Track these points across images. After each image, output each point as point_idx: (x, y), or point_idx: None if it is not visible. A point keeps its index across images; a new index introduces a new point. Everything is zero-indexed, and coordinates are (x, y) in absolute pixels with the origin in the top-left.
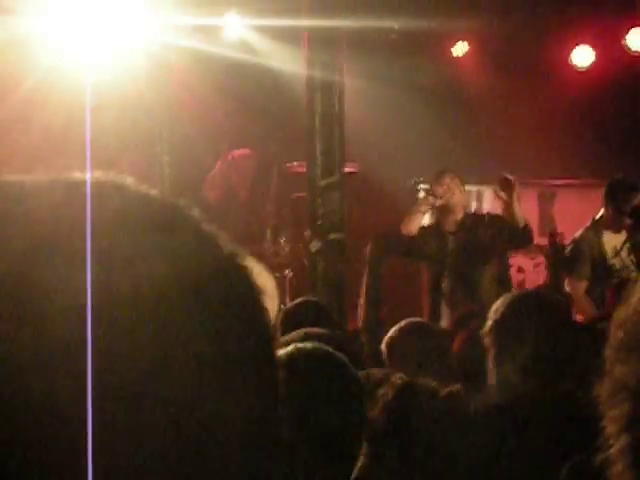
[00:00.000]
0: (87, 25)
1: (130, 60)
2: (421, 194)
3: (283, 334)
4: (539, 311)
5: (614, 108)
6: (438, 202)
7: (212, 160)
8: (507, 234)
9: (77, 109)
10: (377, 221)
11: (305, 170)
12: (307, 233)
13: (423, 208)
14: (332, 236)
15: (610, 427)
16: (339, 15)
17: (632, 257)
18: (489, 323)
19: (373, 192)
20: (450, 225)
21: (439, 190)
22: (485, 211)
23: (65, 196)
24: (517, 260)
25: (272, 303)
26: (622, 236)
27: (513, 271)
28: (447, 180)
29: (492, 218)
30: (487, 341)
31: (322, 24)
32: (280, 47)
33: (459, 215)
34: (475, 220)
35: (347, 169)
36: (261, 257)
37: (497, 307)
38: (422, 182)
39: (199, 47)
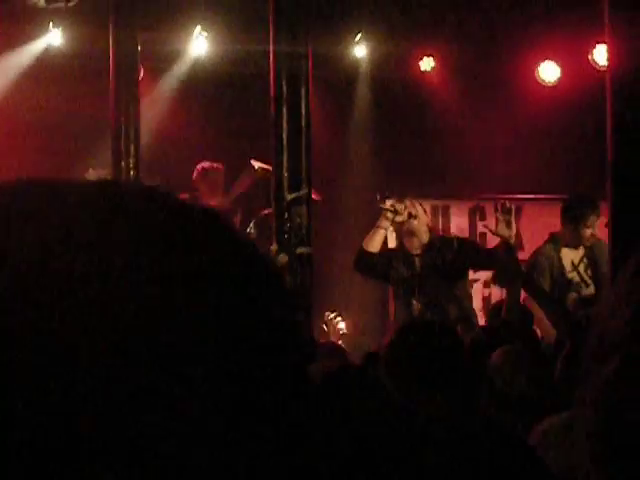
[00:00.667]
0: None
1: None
2: (385, 210)
3: None
4: (423, 342)
5: (580, 123)
6: (399, 218)
7: (181, 174)
8: (475, 257)
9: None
10: (338, 236)
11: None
12: (274, 247)
13: (384, 224)
14: (299, 250)
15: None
16: (305, 30)
17: (589, 272)
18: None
19: (335, 208)
20: (416, 246)
21: (400, 207)
22: (454, 233)
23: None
24: (483, 274)
25: None
26: (580, 251)
27: (479, 285)
28: (408, 199)
29: (460, 241)
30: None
31: (288, 38)
32: (247, 60)
33: (424, 236)
34: (444, 242)
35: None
36: None
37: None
38: (389, 198)
39: (165, 62)
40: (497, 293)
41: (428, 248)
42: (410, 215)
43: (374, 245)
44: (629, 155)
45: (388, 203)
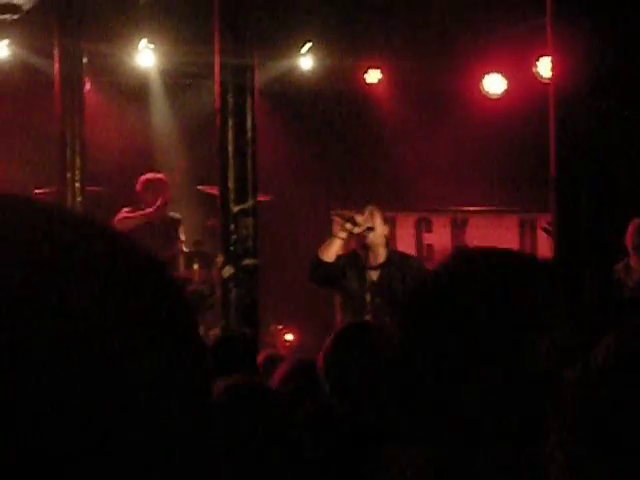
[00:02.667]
0: None
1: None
2: (342, 221)
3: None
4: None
5: (525, 135)
6: (357, 230)
7: (127, 186)
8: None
9: None
10: (289, 248)
11: (217, 193)
12: (220, 259)
13: (342, 234)
14: (246, 262)
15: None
16: (251, 40)
17: None
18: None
19: (285, 220)
20: (370, 260)
21: (359, 218)
22: (412, 254)
23: None
24: None
25: None
26: None
27: None
28: (368, 211)
29: (420, 266)
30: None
31: (234, 50)
32: (193, 71)
33: (381, 250)
34: (401, 260)
35: (260, 198)
36: None
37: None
38: (342, 213)
39: (111, 74)
40: None
41: (385, 264)
42: (368, 228)
43: (329, 255)
44: (571, 167)
45: (347, 213)
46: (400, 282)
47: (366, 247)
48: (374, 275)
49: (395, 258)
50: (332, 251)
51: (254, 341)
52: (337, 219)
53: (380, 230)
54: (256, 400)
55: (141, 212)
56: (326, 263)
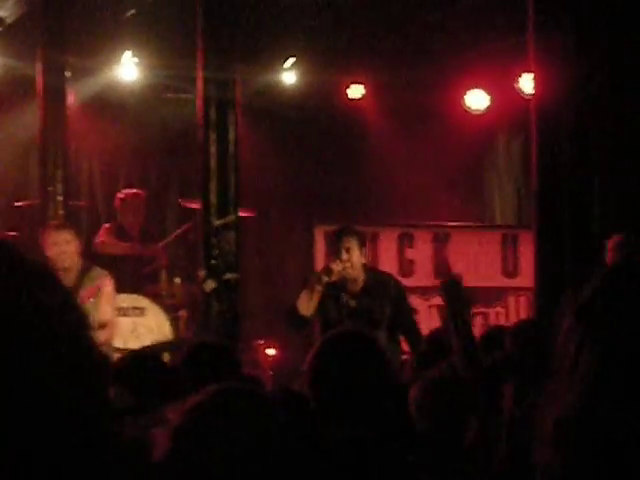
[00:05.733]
0: None
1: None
2: (317, 276)
3: (186, 375)
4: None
5: (508, 151)
6: (334, 278)
7: (109, 200)
8: (402, 319)
9: None
10: (271, 263)
11: (199, 207)
12: (201, 273)
13: (318, 287)
14: (227, 276)
15: None
16: (234, 55)
17: None
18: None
19: (267, 235)
20: (350, 286)
21: (334, 265)
22: (388, 272)
23: None
24: (412, 301)
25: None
26: None
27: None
28: (347, 243)
29: (395, 282)
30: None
31: (217, 65)
32: (177, 85)
33: (360, 276)
34: (379, 282)
35: (242, 213)
36: (157, 298)
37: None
38: (316, 274)
39: (95, 87)
40: (426, 319)
41: (364, 290)
42: (344, 268)
43: (308, 308)
44: (553, 182)
45: (320, 271)
46: (379, 307)
47: (344, 280)
48: (352, 302)
49: (373, 281)
50: (310, 305)
51: (231, 350)
52: (311, 277)
53: (358, 260)
54: (248, 404)
55: (123, 244)
56: (304, 316)
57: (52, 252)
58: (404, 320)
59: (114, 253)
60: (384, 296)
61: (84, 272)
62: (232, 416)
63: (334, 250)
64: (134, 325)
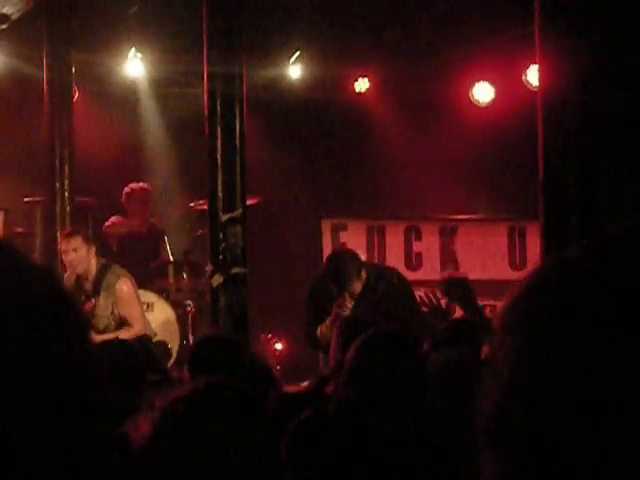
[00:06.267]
0: None
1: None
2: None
3: (193, 371)
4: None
5: (514, 143)
6: (349, 306)
7: (115, 195)
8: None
9: None
10: (278, 257)
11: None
12: (208, 267)
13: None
14: (234, 270)
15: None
16: (239, 49)
17: None
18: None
19: (274, 229)
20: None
21: (346, 301)
22: (386, 266)
23: None
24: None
25: (174, 342)
26: None
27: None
28: (355, 285)
29: (391, 274)
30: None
31: (223, 59)
32: (182, 80)
33: (359, 287)
34: (377, 277)
35: (249, 201)
36: (164, 293)
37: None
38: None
39: (100, 83)
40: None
41: (361, 294)
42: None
43: (327, 336)
44: (560, 174)
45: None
46: (376, 302)
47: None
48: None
49: (371, 281)
50: (329, 334)
51: (238, 345)
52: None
53: (357, 292)
54: (228, 400)
55: (132, 223)
56: (322, 342)
57: (65, 260)
58: (405, 316)
59: (124, 233)
60: (381, 285)
61: (101, 277)
62: (210, 412)
63: (337, 291)
64: None
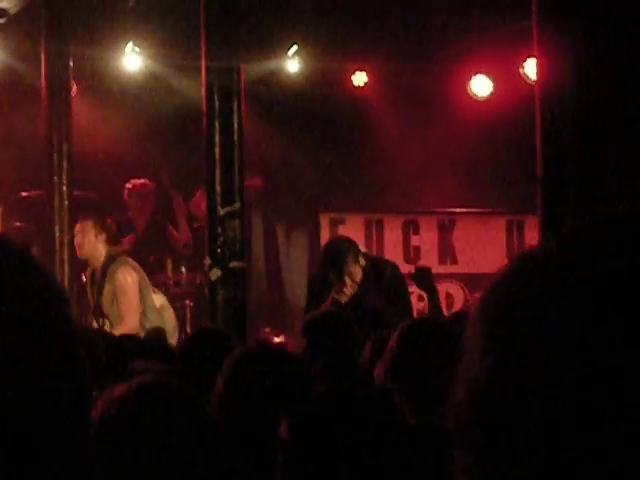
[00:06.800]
0: None
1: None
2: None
3: (186, 365)
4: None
5: (512, 137)
6: (344, 298)
7: (115, 190)
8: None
9: None
10: (277, 251)
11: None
12: (207, 261)
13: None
14: (232, 264)
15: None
16: (237, 43)
17: None
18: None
19: (270, 222)
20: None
21: (348, 290)
22: (384, 258)
23: None
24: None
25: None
26: None
27: (414, 299)
28: (350, 268)
29: (387, 267)
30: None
31: (220, 53)
32: (180, 75)
33: (358, 278)
34: (374, 269)
35: (251, 182)
36: (163, 287)
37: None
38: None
39: (98, 78)
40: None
41: (367, 278)
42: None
43: None
44: (558, 168)
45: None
46: (373, 293)
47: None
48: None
49: (372, 270)
50: None
51: (229, 338)
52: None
53: (359, 275)
54: (169, 400)
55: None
56: None
57: (75, 242)
58: (399, 309)
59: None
60: (378, 277)
61: (106, 267)
62: (142, 411)
63: (336, 277)
64: None
